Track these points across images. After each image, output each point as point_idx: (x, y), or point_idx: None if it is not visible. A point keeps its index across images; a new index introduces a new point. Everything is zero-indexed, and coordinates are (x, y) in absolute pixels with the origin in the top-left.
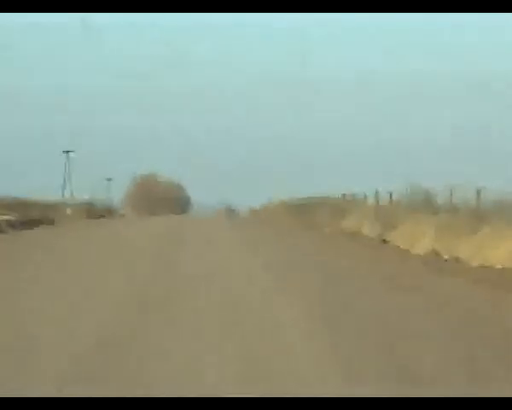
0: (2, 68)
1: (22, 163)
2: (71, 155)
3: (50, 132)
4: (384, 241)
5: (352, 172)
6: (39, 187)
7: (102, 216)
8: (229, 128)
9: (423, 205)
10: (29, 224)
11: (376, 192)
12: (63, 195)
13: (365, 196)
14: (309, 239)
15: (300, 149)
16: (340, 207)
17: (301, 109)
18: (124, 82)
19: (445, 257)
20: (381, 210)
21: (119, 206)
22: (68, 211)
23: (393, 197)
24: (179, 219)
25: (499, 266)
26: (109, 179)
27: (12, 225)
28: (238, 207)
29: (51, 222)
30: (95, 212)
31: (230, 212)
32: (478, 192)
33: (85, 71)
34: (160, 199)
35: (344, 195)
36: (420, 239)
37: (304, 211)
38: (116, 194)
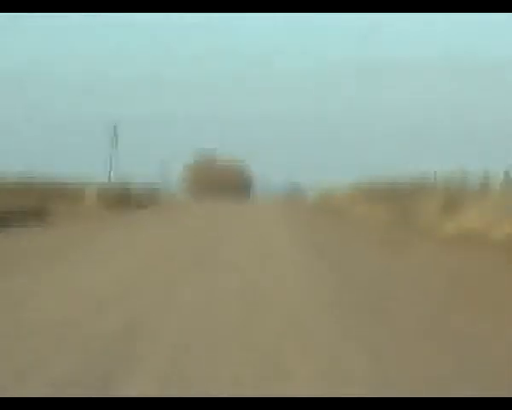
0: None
1: (69, 145)
2: (117, 130)
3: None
4: None
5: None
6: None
7: (142, 206)
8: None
9: None
10: None
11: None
12: (109, 178)
13: (486, 179)
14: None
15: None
16: (448, 193)
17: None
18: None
19: None
20: None
21: (175, 190)
22: (88, 199)
23: None
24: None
25: None
26: (165, 162)
27: None
28: (306, 189)
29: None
30: (129, 199)
31: (294, 197)
32: None
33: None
34: (220, 180)
35: (453, 175)
36: None
37: (394, 199)
38: (174, 178)
